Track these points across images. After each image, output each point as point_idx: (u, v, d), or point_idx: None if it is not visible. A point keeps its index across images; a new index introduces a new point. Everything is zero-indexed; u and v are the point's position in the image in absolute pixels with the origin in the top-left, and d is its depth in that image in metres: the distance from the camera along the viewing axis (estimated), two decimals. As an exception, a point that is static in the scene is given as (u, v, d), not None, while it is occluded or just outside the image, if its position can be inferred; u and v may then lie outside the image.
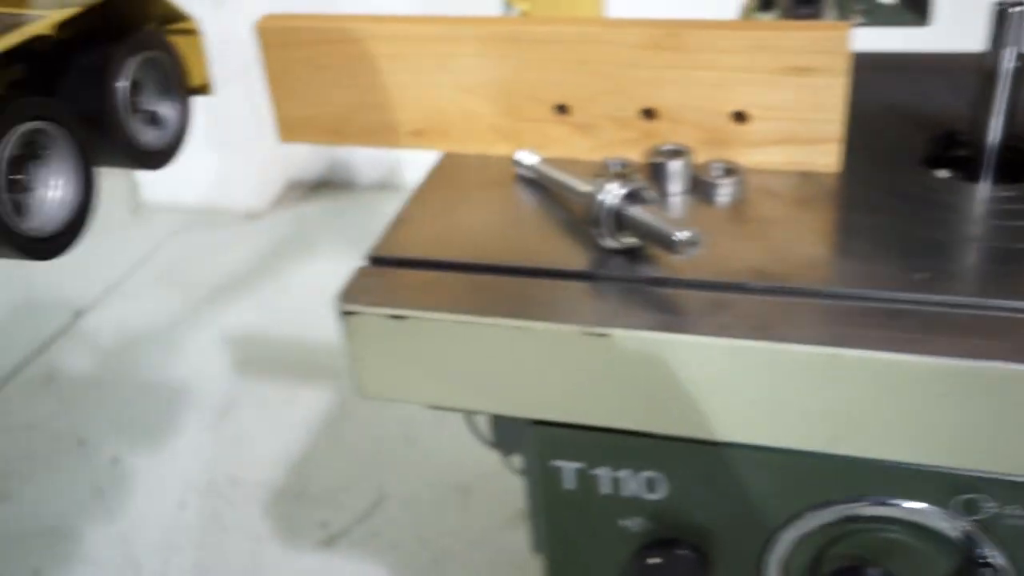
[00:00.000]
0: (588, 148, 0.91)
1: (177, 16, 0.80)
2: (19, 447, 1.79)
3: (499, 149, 0.94)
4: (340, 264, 0.91)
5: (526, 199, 0.86)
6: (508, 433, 1.15)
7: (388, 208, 0.86)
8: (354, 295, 0.74)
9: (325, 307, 1.02)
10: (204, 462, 1.62)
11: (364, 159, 2.81)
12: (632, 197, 0.72)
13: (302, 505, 1.65)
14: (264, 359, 1.93)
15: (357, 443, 1.65)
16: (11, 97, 0.65)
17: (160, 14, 0.79)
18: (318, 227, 2.58)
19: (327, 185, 2.83)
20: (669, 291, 0.70)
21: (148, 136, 0.78)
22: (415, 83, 0.96)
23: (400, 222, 0.84)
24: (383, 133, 0.99)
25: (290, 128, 1.01)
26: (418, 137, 0.98)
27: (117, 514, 1.57)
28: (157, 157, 0.79)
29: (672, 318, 0.67)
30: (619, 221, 0.72)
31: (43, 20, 0.67)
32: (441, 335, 0.71)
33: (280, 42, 0.96)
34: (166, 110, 0.80)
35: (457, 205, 0.86)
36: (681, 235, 0.67)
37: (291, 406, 1.74)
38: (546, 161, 0.87)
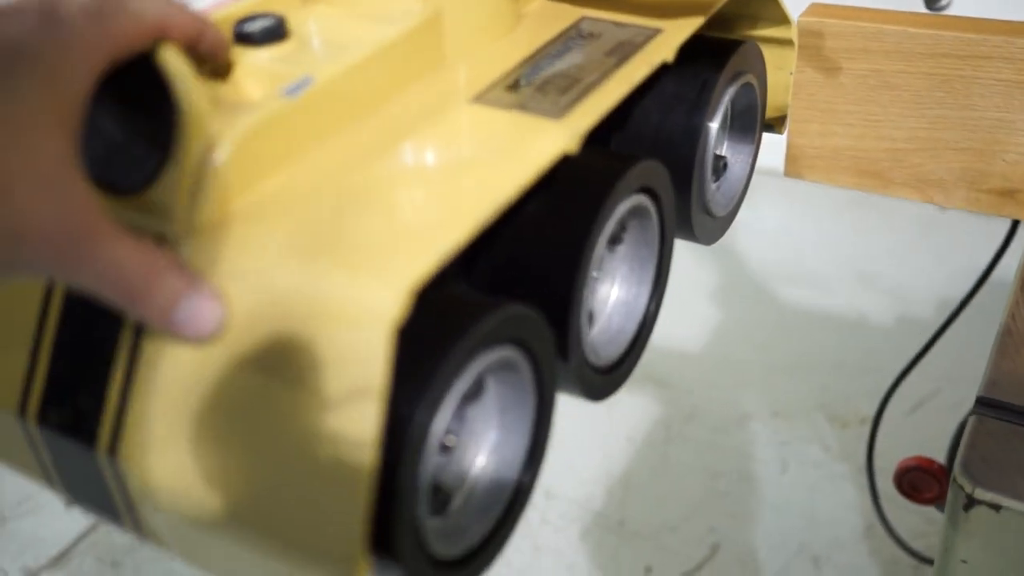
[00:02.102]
0: None
1: (777, 19, 0.54)
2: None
3: None
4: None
5: None
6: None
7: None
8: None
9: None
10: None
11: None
12: None
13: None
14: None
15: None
16: (608, 160, 0.42)
17: (758, 16, 0.54)
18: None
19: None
20: None
21: (712, 196, 0.54)
22: (1027, 126, 0.67)
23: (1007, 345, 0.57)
24: (950, 187, 0.71)
25: (802, 160, 0.74)
26: (1006, 199, 0.69)
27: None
28: (714, 229, 0.54)
29: None
30: None
31: (664, 41, 0.43)
32: None
33: (823, 46, 0.69)
34: (737, 156, 0.56)
35: None
36: None
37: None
38: None
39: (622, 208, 0.41)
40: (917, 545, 1.11)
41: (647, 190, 0.43)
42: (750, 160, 0.56)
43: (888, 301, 1.77)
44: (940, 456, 1.03)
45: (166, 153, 0.32)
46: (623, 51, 0.42)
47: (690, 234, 0.52)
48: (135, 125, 0.33)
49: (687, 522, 1.50)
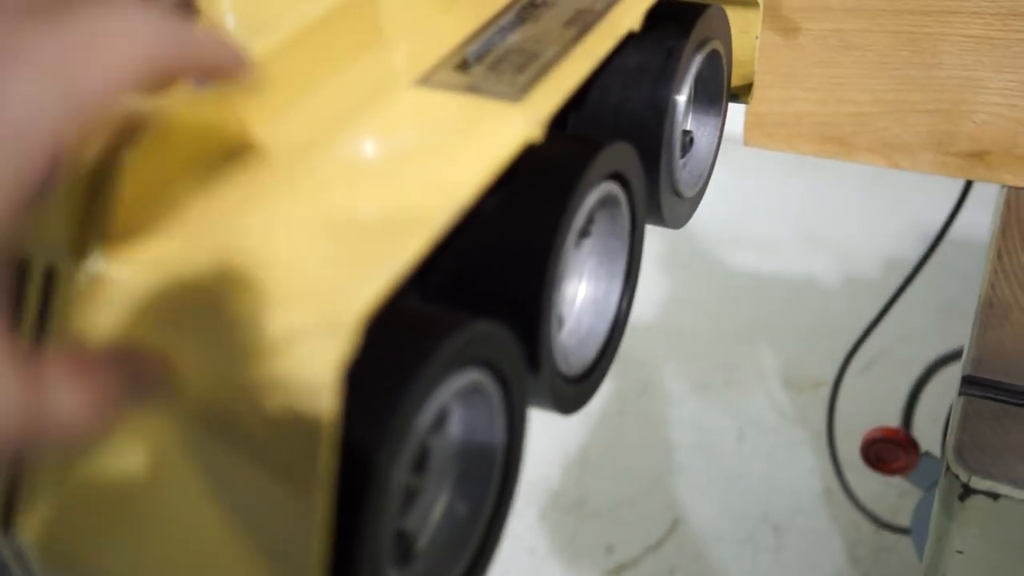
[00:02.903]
0: None
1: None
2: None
3: None
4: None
5: None
6: None
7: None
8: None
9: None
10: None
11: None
12: None
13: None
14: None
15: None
16: (572, 145, 0.37)
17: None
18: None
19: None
20: None
21: (680, 175, 0.50)
22: (997, 83, 0.64)
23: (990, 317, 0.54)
24: (917, 150, 0.67)
25: (762, 128, 0.70)
26: (975, 162, 0.66)
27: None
28: (682, 211, 0.50)
29: None
30: None
31: (627, 7, 0.38)
32: None
33: (782, 5, 0.65)
34: (703, 130, 0.51)
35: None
36: None
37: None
38: None
39: (591, 199, 0.37)
40: (876, 509, 1.10)
41: (617, 176, 0.39)
42: (717, 133, 0.51)
43: (836, 263, 1.76)
44: (895, 418, 1.02)
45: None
46: (583, 20, 0.37)
47: (659, 219, 0.48)
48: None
49: (646, 497, 1.47)
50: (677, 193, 0.47)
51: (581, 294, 0.42)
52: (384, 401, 0.26)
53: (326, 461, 0.24)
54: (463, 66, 0.34)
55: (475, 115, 0.32)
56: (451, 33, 0.36)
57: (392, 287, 0.25)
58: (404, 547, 0.31)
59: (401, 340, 0.28)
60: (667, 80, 0.44)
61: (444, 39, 0.36)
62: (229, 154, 0.29)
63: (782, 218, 1.87)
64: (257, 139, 0.30)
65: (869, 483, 1.14)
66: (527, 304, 0.34)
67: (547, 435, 1.55)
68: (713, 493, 1.47)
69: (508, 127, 0.31)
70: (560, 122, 0.46)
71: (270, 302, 0.24)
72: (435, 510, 0.33)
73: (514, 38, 0.36)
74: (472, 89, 0.33)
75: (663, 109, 0.44)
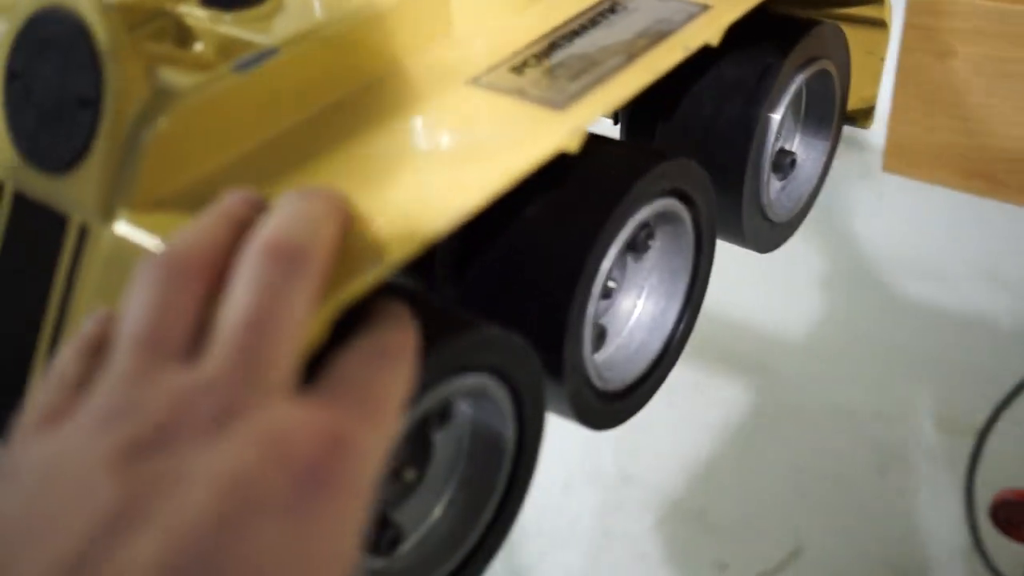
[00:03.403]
0: None
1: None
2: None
3: None
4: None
5: None
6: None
7: None
8: None
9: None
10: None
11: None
12: None
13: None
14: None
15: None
16: (628, 156, 0.36)
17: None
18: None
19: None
20: None
21: (772, 194, 0.48)
22: None
23: None
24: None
25: (902, 155, 0.66)
26: None
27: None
28: (772, 236, 0.48)
29: None
30: None
31: (711, 20, 0.37)
32: None
33: (935, 26, 0.61)
34: (809, 153, 0.49)
35: None
36: None
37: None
38: None
39: (642, 214, 0.36)
40: (1015, 576, 1.01)
41: (678, 192, 0.37)
42: (824, 158, 0.49)
43: (1014, 303, 1.63)
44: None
45: (91, 133, 0.28)
46: (658, 30, 0.36)
47: (741, 239, 0.46)
48: (66, 97, 0.29)
49: (769, 519, 1.42)
50: (765, 216, 0.45)
51: (638, 309, 0.41)
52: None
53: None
54: (520, 68, 0.34)
55: (513, 120, 0.31)
56: (523, 34, 0.36)
57: (367, 290, 0.25)
58: (391, 538, 0.31)
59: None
60: (760, 97, 0.42)
61: (514, 39, 0.36)
62: (264, 134, 0.30)
63: (962, 250, 1.75)
64: (303, 121, 0.31)
65: (1014, 548, 1.05)
66: (555, 309, 0.34)
67: (675, 442, 1.53)
68: (841, 527, 1.40)
69: (543, 134, 0.31)
70: (650, 133, 0.45)
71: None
72: (434, 509, 0.33)
73: (581, 44, 0.35)
74: (519, 92, 0.33)
75: (752, 127, 0.42)
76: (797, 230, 0.49)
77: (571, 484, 1.50)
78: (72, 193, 0.29)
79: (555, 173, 0.36)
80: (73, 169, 0.29)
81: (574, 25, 0.37)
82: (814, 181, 0.49)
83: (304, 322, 0.23)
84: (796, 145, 0.49)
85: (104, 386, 0.23)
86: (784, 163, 0.47)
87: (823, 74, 0.46)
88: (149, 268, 0.24)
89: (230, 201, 0.25)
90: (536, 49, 0.35)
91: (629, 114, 0.46)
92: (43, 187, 0.30)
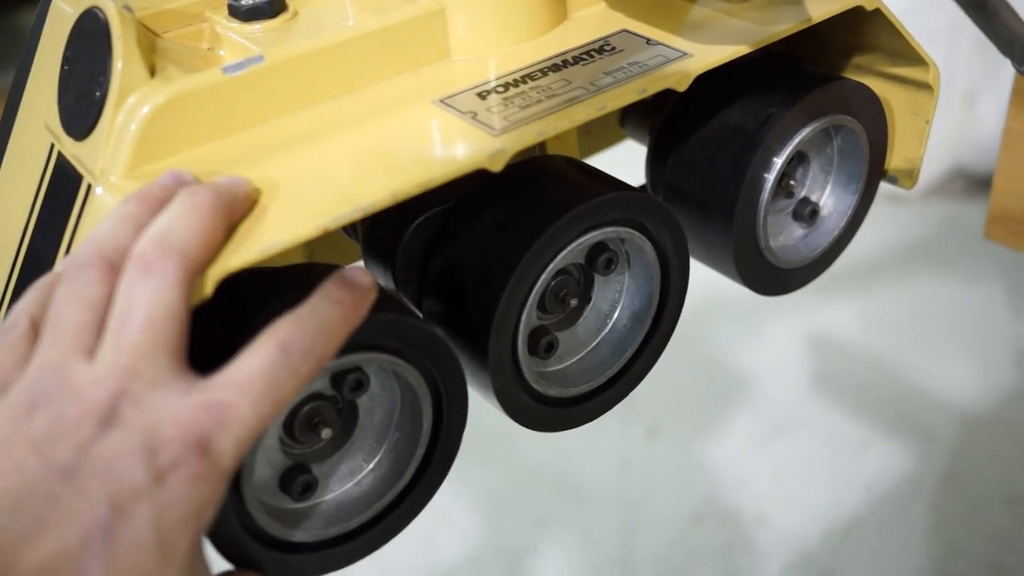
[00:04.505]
0: None
1: (906, 56, 0.47)
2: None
3: None
4: None
5: None
6: None
7: None
8: None
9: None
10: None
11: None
12: None
13: None
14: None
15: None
16: (590, 184, 0.40)
17: (892, 51, 0.47)
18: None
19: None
20: None
21: (786, 238, 0.48)
22: None
23: None
24: None
25: (1007, 223, 0.63)
26: None
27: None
28: (777, 280, 0.49)
29: None
30: None
31: (684, 67, 0.39)
32: None
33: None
34: (833, 203, 0.49)
35: None
36: None
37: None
38: None
39: (591, 237, 0.39)
40: None
41: (634, 223, 0.40)
42: (849, 212, 0.49)
43: None
44: None
45: (99, 112, 0.35)
46: (627, 72, 0.39)
47: (737, 279, 0.47)
48: (90, 81, 0.36)
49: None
50: (764, 259, 0.46)
51: (609, 325, 0.44)
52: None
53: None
54: (484, 95, 0.38)
55: (446, 136, 0.36)
56: (510, 64, 0.40)
57: (253, 263, 0.30)
58: (304, 483, 0.36)
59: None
60: (756, 144, 0.43)
61: (499, 68, 0.40)
62: (241, 128, 0.36)
63: None
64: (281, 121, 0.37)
65: None
66: (480, 313, 0.37)
67: (821, 496, 1.48)
68: (984, 617, 1.30)
69: (465, 153, 0.35)
70: (663, 165, 0.48)
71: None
72: (358, 471, 0.38)
73: (552, 77, 0.39)
74: (471, 115, 0.37)
75: (743, 171, 0.43)
76: (814, 279, 0.50)
77: (702, 518, 1.49)
78: (85, 158, 0.36)
79: (514, 189, 0.40)
80: (86, 139, 0.36)
81: (557, 60, 0.40)
82: (837, 232, 0.49)
83: (176, 314, 0.29)
84: (825, 197, 0.49)
85: (29, 372, 0.29)
86: (804, 212, 0.48)
87: (843, 130, 0.46)
88: (71, 263, 0.30)
89: (138, 196, 0.32)
90: (510, 79, 0.39)
91: (651, 149, 0.49)
92: (71, 151, 0.37)
